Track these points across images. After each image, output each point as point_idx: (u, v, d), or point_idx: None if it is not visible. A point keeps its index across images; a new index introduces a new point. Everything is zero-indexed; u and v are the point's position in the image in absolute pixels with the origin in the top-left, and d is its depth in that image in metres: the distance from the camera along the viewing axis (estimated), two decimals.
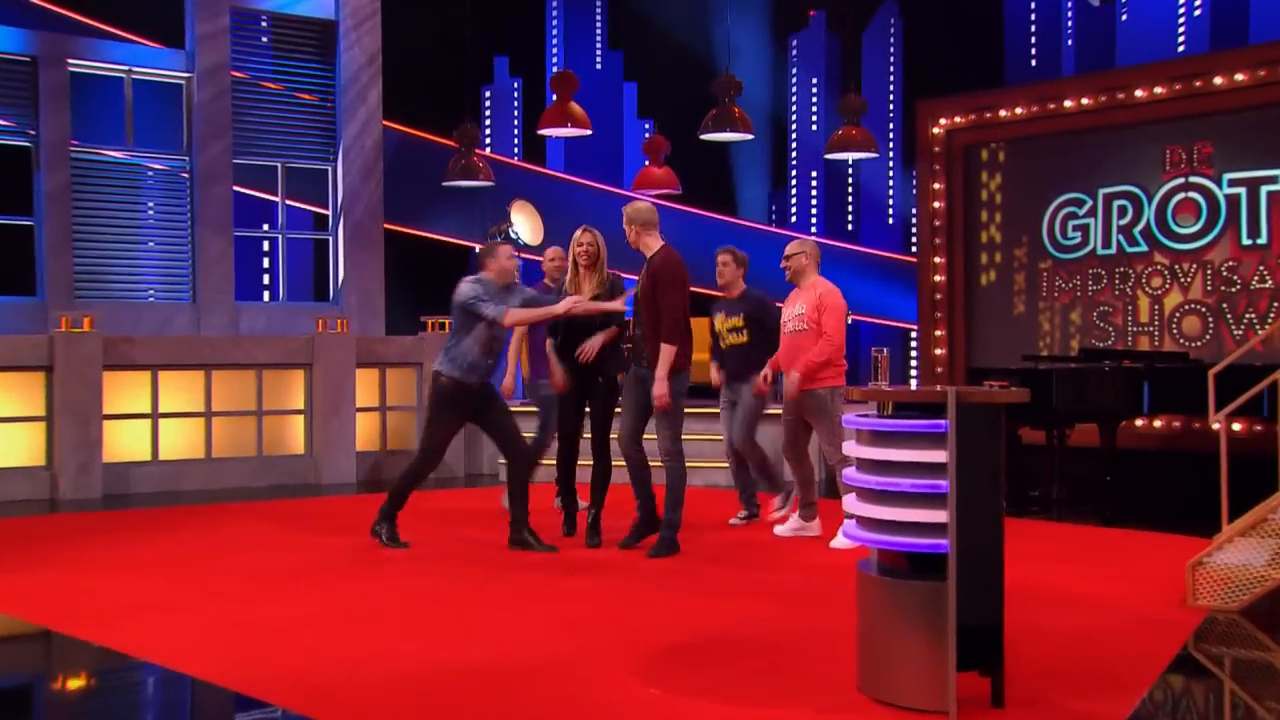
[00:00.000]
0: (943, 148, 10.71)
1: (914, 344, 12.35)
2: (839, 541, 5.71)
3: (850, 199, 13.64)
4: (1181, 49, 10.24)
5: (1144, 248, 9.45)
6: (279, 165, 10.16)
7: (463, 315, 5.45)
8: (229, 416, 8.86)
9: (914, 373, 11.95)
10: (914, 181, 11.66)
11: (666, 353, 5.27)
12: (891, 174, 13.44)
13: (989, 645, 3.37)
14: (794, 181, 13.89)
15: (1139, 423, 8.83)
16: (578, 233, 5.69)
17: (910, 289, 11.73)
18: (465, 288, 5.44)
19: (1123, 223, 9.57)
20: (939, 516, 3.34)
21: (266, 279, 10.69)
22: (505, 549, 5.65)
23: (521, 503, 5.57)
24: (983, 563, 3.37)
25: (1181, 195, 9.24)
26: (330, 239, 10.44)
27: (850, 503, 3.67)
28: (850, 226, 13.58)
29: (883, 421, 3.49)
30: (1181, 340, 9.20)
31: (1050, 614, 4.39)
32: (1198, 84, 9.05)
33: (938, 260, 10.80)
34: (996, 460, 3.43)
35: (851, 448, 3.62)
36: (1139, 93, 9.43)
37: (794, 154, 14.05)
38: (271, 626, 4.20)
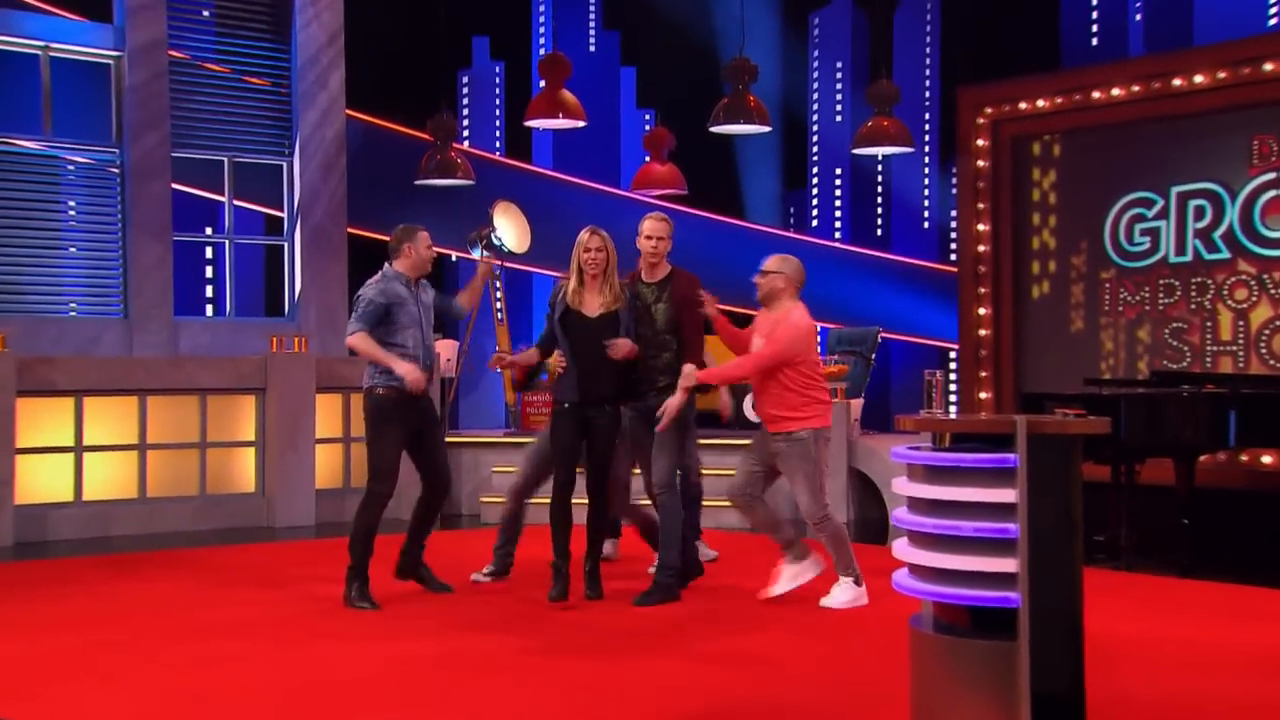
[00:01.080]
0: (988, 141, 10.73)
1: (953, 366, 12.35)
2: (833, 599, 5.66)
3: (880, 200, 13.66)
4: (1274, 22, 10.19)
5: (1226, 254, 9.40)
6: (225, 160, 10.17)
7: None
8: (167, 450, 8.84)
9: (953, 399, 11.94)
10: (954, 180, 11.68)
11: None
12: (928, 172, 13.48)
13: (1068, 716, 3.33)
14: (814, 180, 13.91)
15: (1221, 457, 8.78)
16: (584, 235, 5.68)
17: (949, 303, 11.75)
18: (363, 290, 5.67)
19: (1200, 225, 9.54)
20: (1007, 565, 3.32)
21: (211, 291, 10.66)
22: (499, 607, 5.64)
23: (418, 542, 5.78)
24: (1059, 619, 3.37)
25: (1272, 193, 9.14)
26: (285, 245, 10.44)
27: (901, 549, 3.65)
28: (879, 231, 13.60)
29: (940, 455, 3.50)
30: (1271, 361, 9.13)
31: (1138, 679, 4.35)
32: None
33: (982, 270, 10.80)
34: (1073, 499, 3.42)
35: (903, 485, 3.61)
36: (1220, 74, 9.33)
37: (815, 149, 14.08)
38: (217, 698, 4.15)
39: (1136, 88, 9.86)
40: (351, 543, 5.70)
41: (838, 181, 13.68)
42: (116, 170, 9.67)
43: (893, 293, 12.96)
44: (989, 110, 10.70)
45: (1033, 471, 3.33)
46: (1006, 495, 3.35)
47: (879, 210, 13.61)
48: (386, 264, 5.84)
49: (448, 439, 8.97)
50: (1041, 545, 3.34)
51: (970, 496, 3.38)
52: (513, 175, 12.52)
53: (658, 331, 5.72)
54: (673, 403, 5.51)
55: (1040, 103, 10.40)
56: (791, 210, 14.30)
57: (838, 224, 13.69)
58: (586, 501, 5.75)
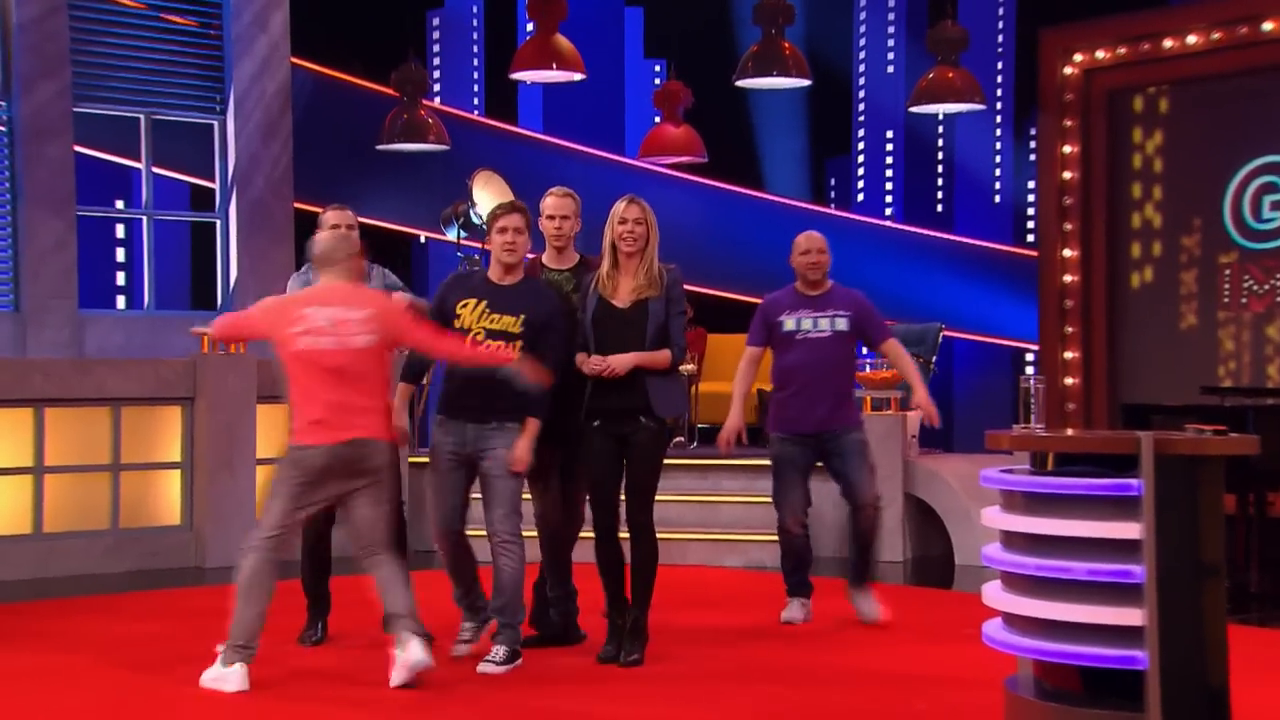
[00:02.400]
0: (1078, 95, 10.71)
1: (1031, 370, 12.38)
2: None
3: (940, 170, 13.67)
4: None
5: None
6: (142, 117, 10.15)
7: None
8: (70, 474, 8.79)
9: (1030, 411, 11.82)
10: (1032, 144, 11.64)
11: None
12: (1000, 134, 13.48)
13: None
14: (860, 146, 13.92)
15: None
16: (620, 205, 5.75)
17: (1026, 293, 11.73)
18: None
19: None
20: (1130, 616, 3.30)
21: (124, 278, 10.62)
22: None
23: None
24: (1195, 684, 3.36)
25: None
26: (218, 222, 10.40)
27: (994, 594, 3.64)
28: (940, 207, 13.61)
29: (1044, 480, 3.51)
30: None
31: None
32: None
33: (1068, 254, 10.78)
34: (1211, 535, 3.41)
35: (996, 517, 3.60)
36: None
37: (861, 107, 14.10)
38: None
39: (1269, 25, 9.79)
40: (304, 582, 6.00)
41: (889, 147, 13.69)
42: (3, 128, 9.63)
43: (956, 282, 12.94)
44: (1079, 57, 10.67)
45: (1161, 500, 3.33)
46: (1129, 529, 3.36)
47: (939, 182, 13.63)
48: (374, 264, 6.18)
49: (413, 459, 9.01)
50: (1173, 591, 3.35)
51: (1083, 531, 3.39)
52: (495, 139, 12.58)
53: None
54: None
55: (1144, 46, 10.36)
56: (831, 182, 14.32)
57: (889, 198, 13.69)
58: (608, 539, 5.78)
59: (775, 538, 8.65)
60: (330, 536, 6.14)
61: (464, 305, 5.61)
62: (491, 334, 5.53)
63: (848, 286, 6.60)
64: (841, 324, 6.43)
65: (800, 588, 6.70)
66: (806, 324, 6.45)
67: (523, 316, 5.54)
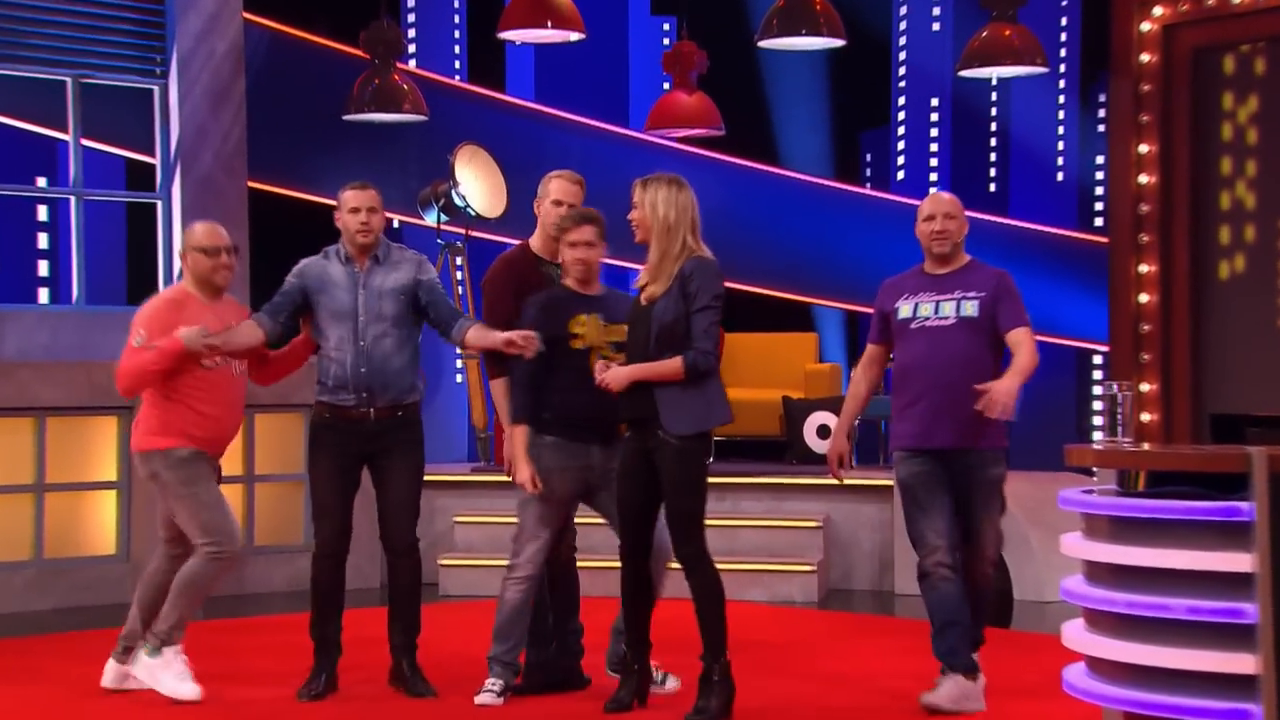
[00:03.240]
0: (1156, 55, 10.64)
1: (1098, 375, 12.26)
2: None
3: (993, 143, 13.66)
4: None
5: None
6: (68, 80, 10.11)
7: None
8: None
9: (1097, 420, 11.81)
10: (1101, 113, 11.58)
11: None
12: (1063, 102, 13.48)
13: None
14: (900, 116, 13.92)
15: None
16: (638, 190, 5.77)
17: (1094, 286, 11.68)
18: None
19: None
20: (1240, 663, 3.29)
21: (48, 268, 10.55)
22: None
23: (409, 626, 6.28)
24: None
25: None
26: (158, 204, 10.41)
27: (1076, 635, 3.60)
28: (993, 187, 13.64)
29: (1135, 503, 3.49)
30: None
31: None
32: None
33: (1144, 240, 10.72)
34: None
35: (1077, 545, 3.56)
36: None
37: (901, 72, 14.08)
38: None
39: None
40: (311, 623, 6.25)
41: (934, 117, 13.74)
42: None
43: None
44: (1158, 10, 10.60)
45: (1278, 527, 3.30)
46: (1238, 561, 3.34)
47: (992, 158, 13.67)
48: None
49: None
50: None
51: (1184, 562, 3.37)
52: (480, 109, 12.62)
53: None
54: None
55: None
56: (867, 158, 14.35)
57: (933, 176, 13.71)
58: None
59: (805, 568, 8.86)
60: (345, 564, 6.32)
61: (579, 323, 5.92)
62: (617, 346, 5.87)
63: (987, 264, 6.07)
64: (970, 308, 5.82)
65: (952, 656, 5.76)
66: (925, 310, 5.88)
67: (625, 325, 5.84)
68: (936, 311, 5.86)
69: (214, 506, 6.13)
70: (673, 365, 5.61)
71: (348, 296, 6.15)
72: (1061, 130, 13.56)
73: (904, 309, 5.92)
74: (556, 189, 6.09)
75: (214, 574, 6.14)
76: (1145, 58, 10.64)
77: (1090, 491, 3.69)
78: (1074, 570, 3.96)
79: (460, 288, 10.65)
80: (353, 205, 6.16)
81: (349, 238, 6.18)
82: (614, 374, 5.63)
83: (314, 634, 6.20)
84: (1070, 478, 8.72)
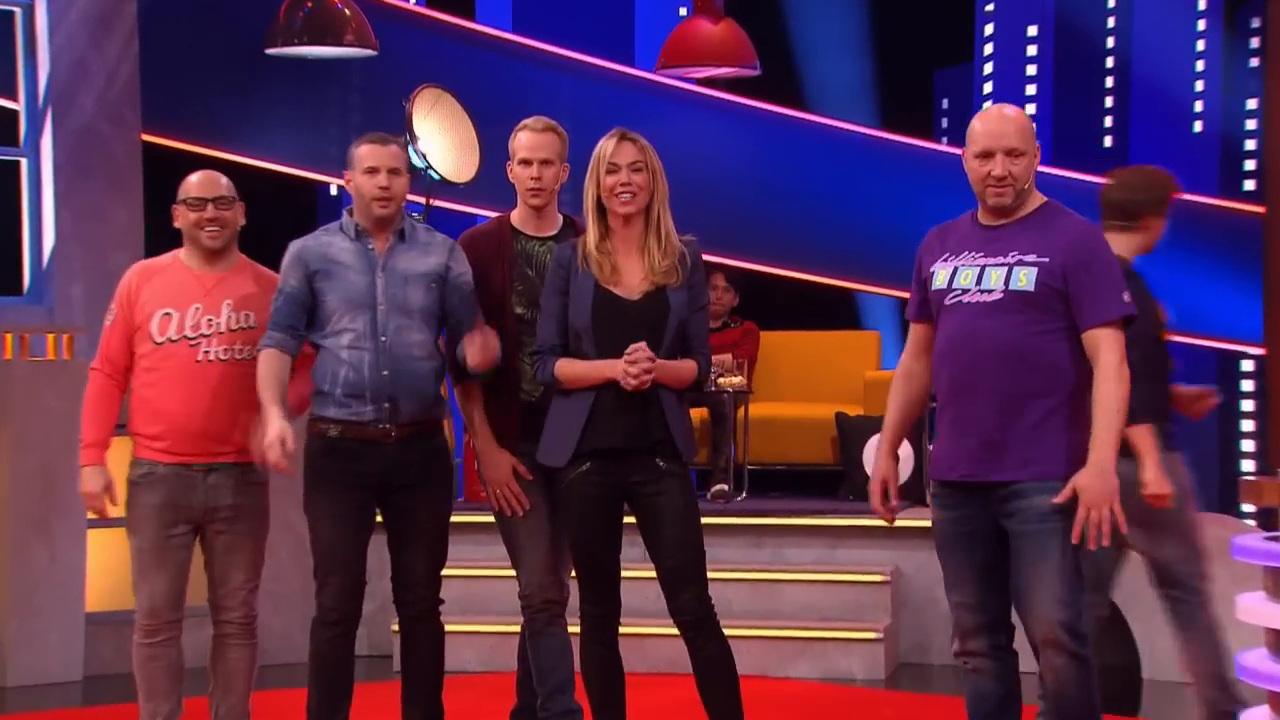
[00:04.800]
0: None
1: (1248, 385, 12.26)
2: None
3: (1109, 84, 13.60)
4: None
5: None
6: None
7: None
8: None
9: (1247, 445, 11.97)
10: (1255, 42, 11.47)
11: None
12: (1204, 29, 13.37)
13: None
14: (987, 50, 13.84)
15: None
16: (608, 145, 5.93)
17: (1244, 269, 11.69)
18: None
19: None
20: None
21: None
22: None
23: (431, 711, 6.34)
24: None
25: None
26: (24, 161, 10.43)
27: None
28: (1109, 140, 13.61)
29: None
30: None
31: None
32: None
33: None
34: None
35: (1259, 609, 3.41)
36: None
37: None
38: None
39: None
40: (309, 688, 6.30)
41: (1031, 50, 13.70)
42: None
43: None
44: None
45: None
46: None
47: (1107, 102, 13.66)
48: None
49: None
50: None
51: None
52: (444, 42, 12.57)
53: None
54: None
55: None
56: (943, 104, 14.37)
57: (1035, 129, 13.59)
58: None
59: (867, 635, 8.80)
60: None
61: None
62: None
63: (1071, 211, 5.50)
64: (1025, 277, 5.29)
65: None
66: (965, 277, 5.39)
67: None
68: (979, 281, 5.37)
69: (147, 560, 6.21)
70: (689, 368, 5.80)
71: (363, 280, 6.13)
72: (1201, 65, 13.43)
73: (939, 274, 5.47)
74: (521, 143, 6.18)
75: (140, 661, 6.26)
76: None
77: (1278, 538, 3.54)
78: (1247, 641, 3.84)
79: None
80: (369, 164, 6.13)
81: (363, 207, 6.17)
82: (656, 367, 5.73)
83: None
84: (1211, 518, 8.62)
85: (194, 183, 6.33)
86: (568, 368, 5.85)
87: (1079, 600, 5.34)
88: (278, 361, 6.07)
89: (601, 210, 5.86)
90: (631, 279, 5.86)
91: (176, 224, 6.35)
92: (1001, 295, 5.29)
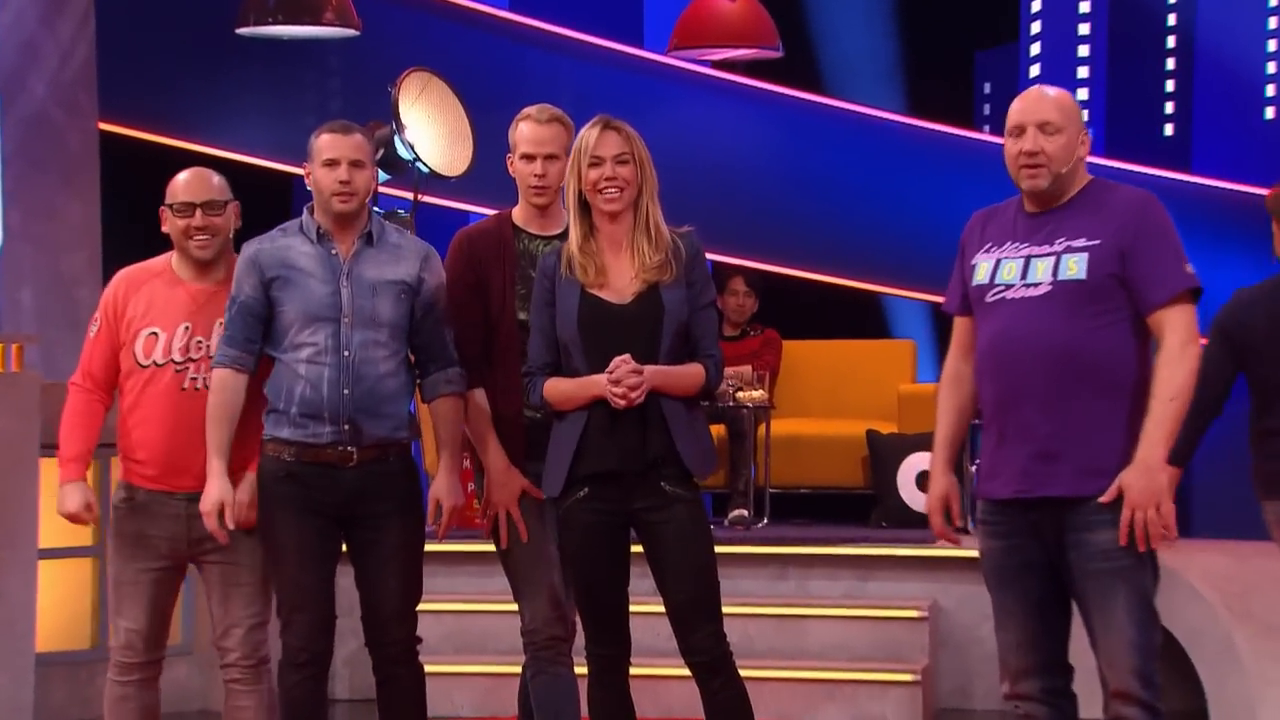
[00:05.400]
0: None
1: None
2: None
3: (1170, 64, 13.54)
4: None
5: None
6: None
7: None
8: None
9: None
10: None
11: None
12: (1275, 10, 13.36)
13: None
14: (1035, 28, 13.83)
15: None
16: (590, 135, 5.93)
17: None
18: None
19: None
20: None
21: None
22: None
23: None
24: None
25: None
26: None
27: None
28: (1169, 128, 13.58)
29: None
30: None
31: None
32: None
33: None
34: None
35: None
36: None
37: None
38: None
39: None
40: None
41: (1083, 28, 13.66)
42: None
43: (1199, 254, 12.76)
44: None
45: None
46: None
47: (1168, 86, 13.58)
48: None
49: None
50: None
51: None
52: (434, 21, 12.61)
53: None
54: None
55: None
56: (985, 89, 14.37)
57: (1085, 115, 13.57)
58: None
59: (903, 677, 8.79)
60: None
61: None
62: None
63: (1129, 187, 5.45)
64: (1074, 265, 5.21)
65: None
66: (1009, 271, 5.32)
67: None
68: (1024, 275, 5.30)
69: (124, 591, 6.22)
70: (694, 373, 5.81)
71: (325, 289, 6.06)
72: (1273, 45, 13.42)
73: (981, 268, 5.41)
74: (524, 135, 6.17)
75: (111, 701, 6.23)
76: None
77: None
78: None
79: None
80: (329, 155, 6.08)
81: (323, 204, 6.11)
82: (648, 376, 5.70)
83: None
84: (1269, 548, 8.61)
85: (181, 184, 6.24)
86: (556, 387, 5.83)
87: (1154, 643, 5.26)
88: (232, 386, 6.01)
89: (585, 207, 5.87)
90: (620, 280, 5.85)
91: (165, 229, 6.27)
92: (1050, 287, 5.22)
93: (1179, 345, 5.09)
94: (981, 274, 5.36)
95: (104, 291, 6.23)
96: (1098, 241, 5.19)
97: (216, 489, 5.91)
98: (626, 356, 5.71)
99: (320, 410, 5.99)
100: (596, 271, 5.85)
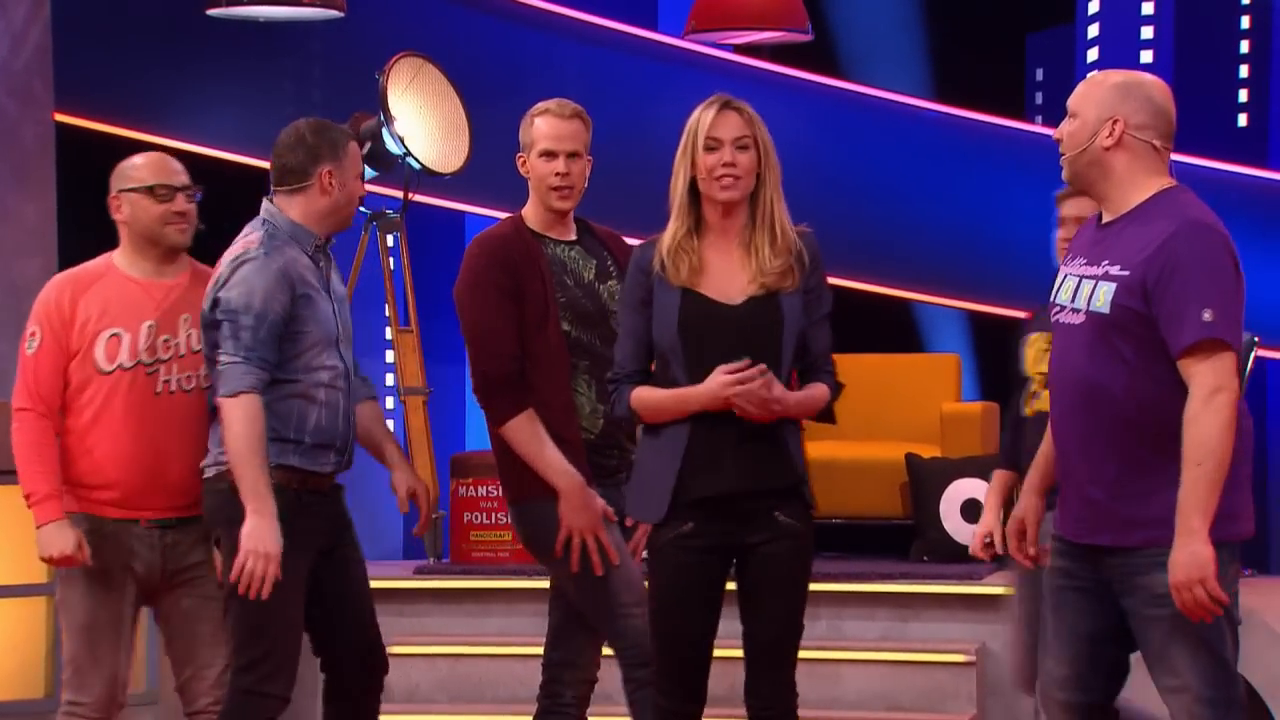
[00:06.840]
0: None
1: None
2: None
3: (1245, 49, 13.54)
4: None
5: None
6: None
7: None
8: None
9: None
10: None
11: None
12: None
13: None
14: (1092, 8, 13.83)
15: None
16: (706, 116, 5.94)
17: None
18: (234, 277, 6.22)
19: None
20: None
21: None
22: None
23: None
24: None
25: None
26: None
27: None
28: (1243, 118, 13.62)
29: None
30: None
31: None
32: None
33: None
34: None
35: None
36: None
37: None
38: None
39: None
40: None
41: (1147, 9, 13.61)
42: None
43: (1279, 259, 12.72)
44: None
45: None
46: None
47: (1242, 72, 13.62)
48: (266, 201, 6.36)
49: None
50: None
51: None
52: (426, 2, 12.65)
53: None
54: None
55: None
56: (1038, 76, 14.45)
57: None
58: None
59: None
60: None
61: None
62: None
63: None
64: (1103, 295, 5.18)
65: None
66: (1067, 290, 5.34)
67: None
68: (1074, 297, 5.32)
69: (86, 637, 6.21)
70: (820, 394, 5.88)
71: (328, 308, 6.20)
72: None
73: (1055, 281, 5.48)
74: (542, 131, 6.24)
75: None
76: None
77: None
78: None
79: (395, 283, 10.65)
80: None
81: (339, 217, 6.35)
82: (780, 397, 5.71)
83: None
84: None
85: (150, 167, 6.34)
86: (648, 396, 5.82)
87: (1228, 698, 5.23)
88: (263, 414, 6.01)
89: (693, 198, 5.84)
90: (731, 281, 5.81)
91: (118, 218, 6.33)
92: (1084, 317, 5.25)
93: (1200, 401, 5.04)
94: (1054, 290, 5.42)
95: (38, 301, 6.25)
96: (1127, 273, 5.16)
97: (270, 530, 5.92)
98: (762, 366, 5.66)
99: (333, 439, 6.15)
100: (702, 269, 5.83)
